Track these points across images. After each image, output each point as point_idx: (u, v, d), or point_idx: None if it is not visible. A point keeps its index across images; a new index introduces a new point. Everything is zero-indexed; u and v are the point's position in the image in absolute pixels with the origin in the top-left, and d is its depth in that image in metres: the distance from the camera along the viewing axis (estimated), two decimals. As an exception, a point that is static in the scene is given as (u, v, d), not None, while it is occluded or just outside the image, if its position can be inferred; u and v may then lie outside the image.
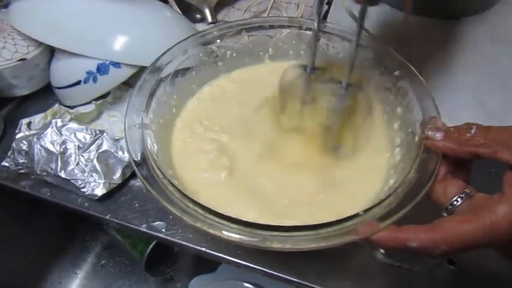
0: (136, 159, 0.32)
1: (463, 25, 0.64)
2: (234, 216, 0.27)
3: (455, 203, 0.29)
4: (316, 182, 0.37)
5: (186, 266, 0.75)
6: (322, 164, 0.38)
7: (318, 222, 0.26)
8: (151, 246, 0.63)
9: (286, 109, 0.41)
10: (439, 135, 0.31)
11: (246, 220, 0.27)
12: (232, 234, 0.27)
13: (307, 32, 0.46)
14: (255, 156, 0.39)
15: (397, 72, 0.40)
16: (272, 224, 0.27)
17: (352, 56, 0.35)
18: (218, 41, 0.45)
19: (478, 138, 0.28)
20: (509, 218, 0.25)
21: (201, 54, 0.45)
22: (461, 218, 0.26)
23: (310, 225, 0.27)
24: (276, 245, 0.26)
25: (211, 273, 0.73)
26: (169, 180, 0.30)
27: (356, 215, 0.28)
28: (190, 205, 0.29)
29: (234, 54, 0.47)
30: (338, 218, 0.27)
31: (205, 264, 0.74)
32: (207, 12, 0.65)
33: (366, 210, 0.28)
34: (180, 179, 0.36)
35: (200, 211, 0.28)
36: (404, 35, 0.62)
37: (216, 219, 0.28)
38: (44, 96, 0.58)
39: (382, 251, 0.42)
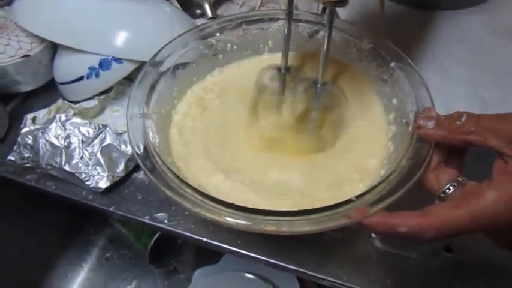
0: (137, 147, 0.33)
1: (461, 17, 0.65)
2: (230, 202, 0.28)
3: (447, 190, 0.30)
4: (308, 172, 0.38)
5: (189, 258, 0.77)
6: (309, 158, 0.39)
7: (311, 207, 0.27)
8: (154, 238, 0.64)
9: (266, 110, 0.42)
10: (430, 124, 0.31)
11: (241, 205, 0.28)
12: (229, 219, 0.28)
13: (305, 24, 0.47)
14: (244, 147, 0.41)
15: (393, 64, 0.41)
16: (267, 208, 0.28)
17: (324, 56, 0.35)
18: (218, 34, 0.46)
19: (468, 126, 0.29)
20: (497, 204, 0.25)
21: (201, 47, 0.46)
22: (451, 204, 0.27)
23: (304, 210, 0.28)
24: (270, 228, 0.27)
25: (214, 265, 0.74)
26: (168, 167, 0.31)
27: (349, 201, 0.29)
28: (189, 191, 0.30)
29: (234, 47, 0.48)
30: (331, 204, 0.28)
31: (209, 256, 0.75)
32: (207, 7, 0.66)
33: (358, 196, 0.29)
34: (179, 167, 0.37)
35: (198, 197, 0.29)
36: (401, 27, 0.63)
37: (213, 204, 0.29)
38: (48, 92, 0.59)
39: (372, 235, 0.43)
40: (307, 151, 0.40)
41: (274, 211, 0.28)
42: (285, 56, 0.40)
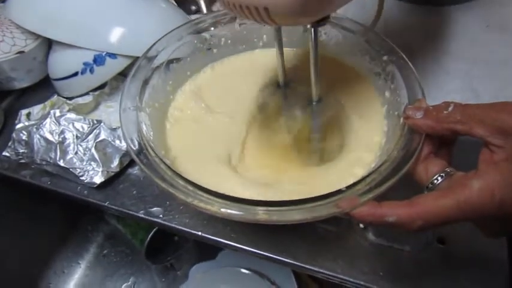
0: (130, 139, 0.34)
1: (456, 12, 0.65)
2: (222, 192, 0.29)
3: (435, 181, 0.30)
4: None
5: (186, 254, 0.77)
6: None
7: (302, 197, 0.28)
8: (151, 234, 0.65)
9: (268, 126, 0.42)
10: (419, 114, 0.32)
11: (233, 195, 0.29)
12: (221, 209, 0.28)
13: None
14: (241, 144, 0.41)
15: (385, 57, 0.41)
16: (259, 199, 0.28)
17: (314, 74, 0.36)
18: (212, 28, 0.46)
19: (454, 115, 0.29)
20: (483, 193, 0.25)
21: (195, 41, 0.46)
22: (437, 194, 0.27)
23: (294, 200, 0.28)
24: (261, 217, 0.28)
25: (211, 261, 0.75)
26: (160, 159, 0.32)
27: (339, 191, 0.29)
28: (181, 182, 0.30)
29: (229, 41, 0.48)
30: (321, 194, 0.28)
31: (205, 253, 0.75)
32: (202, 3, 0.66)
33: (349, 187, 0.29)
34: (172, 160, 0.37)
35: (190, 188, 0.30)
36: (396, 22, 0.63)
37: (205, 194, 0.29)
38: (43, 88, 0.59)
39: (361, 225, 0.44)
40: (309, 165, 0.40)
41: (265, 201, 0.28)
42: (283, 71, 0.40)
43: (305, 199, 0.28)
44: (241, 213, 0.28)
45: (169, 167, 0.31)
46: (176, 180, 0.30)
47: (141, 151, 0.33)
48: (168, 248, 0.75)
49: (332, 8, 0.30)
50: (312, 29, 0.32)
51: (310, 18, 0.30)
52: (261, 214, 0.28)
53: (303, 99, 0.40)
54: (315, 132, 0.40)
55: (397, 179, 0.30)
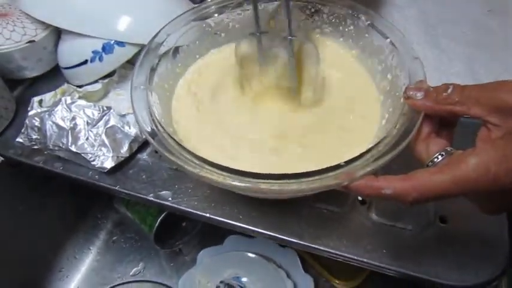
0: (140, 116, 0.35)
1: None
2: (225, 165, 0.30)
3: (435, 160, 0.31)
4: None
5: (194, 239, 0.78)
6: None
7: (301, 171, 0.29)
8: (159, 219, 0.66)
9: (249, 77, 0.44)
10: (419, 95, 0.32)
11: (236, 168, 0.30)
12: (227, 181, 0.30)
13: (306, 3, 0.48)
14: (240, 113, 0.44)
15: (388, 40, 0.42)
16: (260, 172, 0.30)
17: (287, 11, 0.39)
18: (216, 15, 0.47)
19: (453, 96, 0.30)
20: (478, 169, 0.26)
21: (203, 25, 0.47)
22: (434, 170, 0.28)
23: (295, 174, 0.29)
24: (263, 187, 0.29)
25: (218, 246, 0.76)
26: (169, 134, 0.33)
27: (338, 166, 0.30)
28: (188, 156, 0.32)
29: (237, 25, 0.48)
30: (320, 168, 0.30)
31: (213, 238, 0.77)
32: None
33: (347, 162, 0.30)
34: (181, 136, 0.39)
35: (196, 161, 0.31)
36: (398, 5, 0.64)
37: (210, 168, 0.31)
38: (53, 77, 0.61)
39: (358, 197, 0.46)
40: (295, 107, 0.43)
41: (266, 174, 0.30)
42: (256, 20, 0.42)
43: (304, 173, 0.29)
44: (244, 184, 0.30)
45: (176, 142, 0.33)
46: (184, 155, 0.32)
47: (151, 128, 0.34)
48: (176, 233, 0.77)
49: None
50: None
51: None
52: (263, 185, 0.29)
53: (278, 38, 0.42)
54: (291, 71, 0.42)
55: (396, 154, 0.31)
